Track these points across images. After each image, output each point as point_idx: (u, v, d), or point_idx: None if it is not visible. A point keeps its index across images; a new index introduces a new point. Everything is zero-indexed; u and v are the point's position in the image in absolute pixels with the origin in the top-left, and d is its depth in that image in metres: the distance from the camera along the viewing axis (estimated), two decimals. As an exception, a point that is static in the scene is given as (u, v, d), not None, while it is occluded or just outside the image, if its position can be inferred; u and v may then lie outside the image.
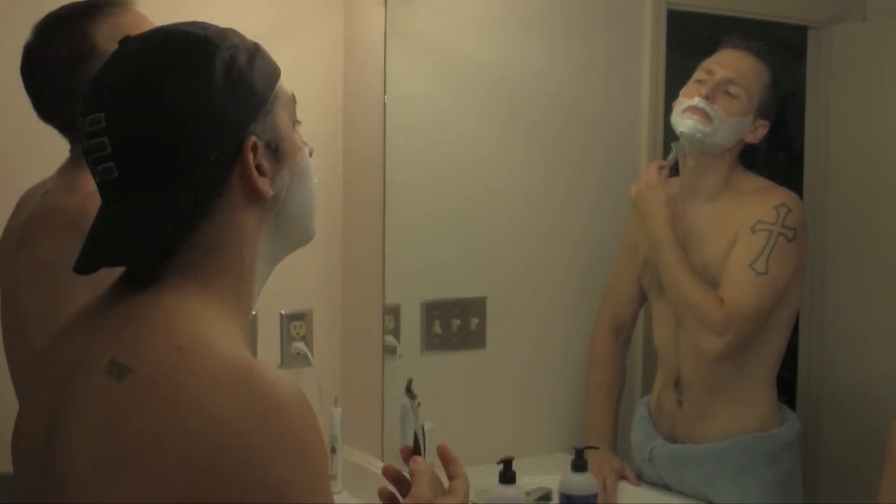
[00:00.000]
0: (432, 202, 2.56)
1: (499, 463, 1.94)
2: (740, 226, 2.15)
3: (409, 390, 1.52)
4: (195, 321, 1.04)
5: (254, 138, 1.08)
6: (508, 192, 2.60)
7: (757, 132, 2.20)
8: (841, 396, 2.47)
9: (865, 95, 2.48)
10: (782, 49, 2.73)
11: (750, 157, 2.28)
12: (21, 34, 1.74)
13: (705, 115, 2.16)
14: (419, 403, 1.42)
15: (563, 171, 2.61)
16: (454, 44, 2.58)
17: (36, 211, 1.70)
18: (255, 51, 1.12)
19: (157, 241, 1.05)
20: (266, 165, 1.10)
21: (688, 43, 2.54)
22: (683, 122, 2.18)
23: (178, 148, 1.04)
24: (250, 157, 1.08)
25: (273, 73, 1.14)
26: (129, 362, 1.00)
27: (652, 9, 2.55)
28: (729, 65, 2.21)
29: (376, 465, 2.48)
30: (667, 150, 2.28)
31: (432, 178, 2.57)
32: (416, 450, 1.40)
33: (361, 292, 2.62)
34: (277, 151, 1.12)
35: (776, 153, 2.90)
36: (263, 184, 1.09)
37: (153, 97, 1.04)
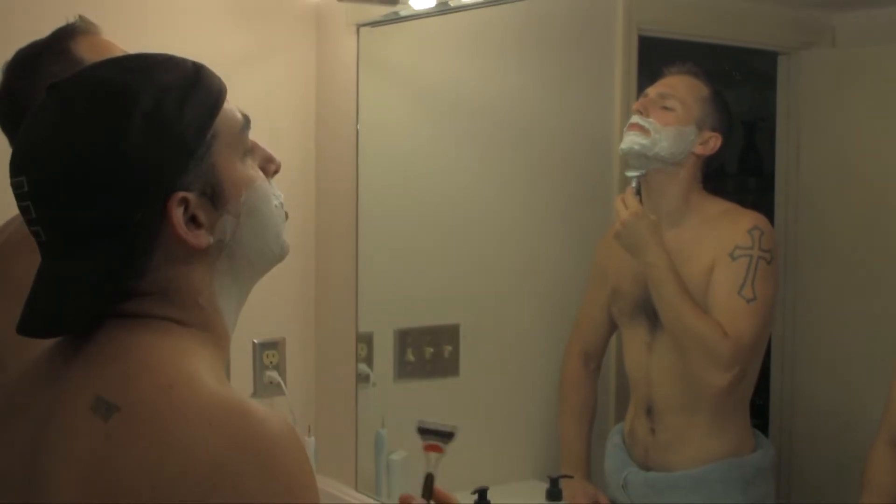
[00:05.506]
0: (405, 230, 2.56)
1: (473, 493, 1.93)
2: (716, 252, 2.14)
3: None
4: (182, 358, 1.02)
5: (181, 194, 1.00)
6: (481, 219, 2.60)
7: (708, 144, 2.19)
8: (815, 422, 2.47)
9: (835, 120, 2.50)
10: (753, 76, 2.75)
11: (721, 182, 2.29)
12: None
13: (641, 129, 2.18)
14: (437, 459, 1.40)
15: (536, 198, 2.62)
16: (427, 71, 2.58)
17: (14, 232, 1.69)
18: (192, 83, 1.03)
19: (83, 308, 1.02)
20: (202, 215, 1.02)
21: (660, 69, 2.55)
22: (624, 141, 2.21)
23: (97, 212, 0.99)
24: (177, 214, 1.00)
25: (210, 107, 1.04)
26: (117, 400, 0.98)
27: (623, 35, 2.56)
28: (663, 84, 2.26)
29: (350, 495, 2.46)
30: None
31: (405, 205, 2.57)
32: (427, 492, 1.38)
33: (334, 320, 2.61)
34: (215, 197, 1.03)
35: (747, 178, 2.92)
36: (197, 237, 1.02)
37: (69, 160, 0.99)
